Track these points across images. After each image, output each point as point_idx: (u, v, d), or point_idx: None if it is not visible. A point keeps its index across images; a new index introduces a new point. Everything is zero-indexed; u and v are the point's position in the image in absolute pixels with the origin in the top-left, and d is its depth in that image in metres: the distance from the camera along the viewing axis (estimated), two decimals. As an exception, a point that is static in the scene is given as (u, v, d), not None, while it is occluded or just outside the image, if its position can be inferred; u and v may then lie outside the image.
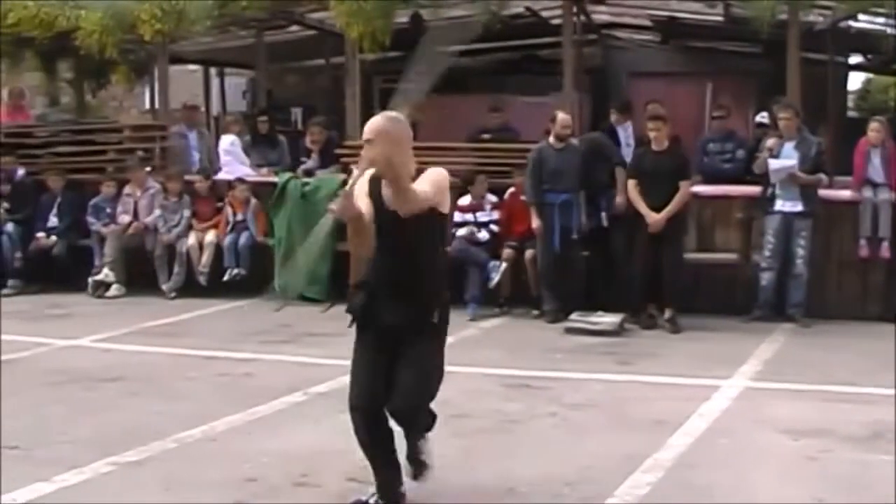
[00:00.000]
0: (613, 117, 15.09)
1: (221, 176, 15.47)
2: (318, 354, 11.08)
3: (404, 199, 5.86)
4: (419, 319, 6.29)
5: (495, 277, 13.31)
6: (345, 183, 14.15)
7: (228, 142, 15.84)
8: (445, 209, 6.24)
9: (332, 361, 10.61)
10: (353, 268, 6.59)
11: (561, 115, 13.38)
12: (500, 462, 7.56)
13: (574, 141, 13.53)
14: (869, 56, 22.97)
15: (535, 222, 13.15)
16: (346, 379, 9.90)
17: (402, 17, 16.22)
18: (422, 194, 5.92)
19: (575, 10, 15.93)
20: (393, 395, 6.25)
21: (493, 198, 13.73)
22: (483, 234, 13.53)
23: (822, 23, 16.89)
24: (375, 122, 5.99)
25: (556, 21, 16.80)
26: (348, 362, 10.62)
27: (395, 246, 6.16)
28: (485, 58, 21.61)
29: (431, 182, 6.04)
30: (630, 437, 8.19)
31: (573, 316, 12.60)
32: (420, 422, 6.57)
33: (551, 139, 13.24)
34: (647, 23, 19.47)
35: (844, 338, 12.17)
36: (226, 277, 14.63)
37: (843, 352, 11.46)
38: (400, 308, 6.22)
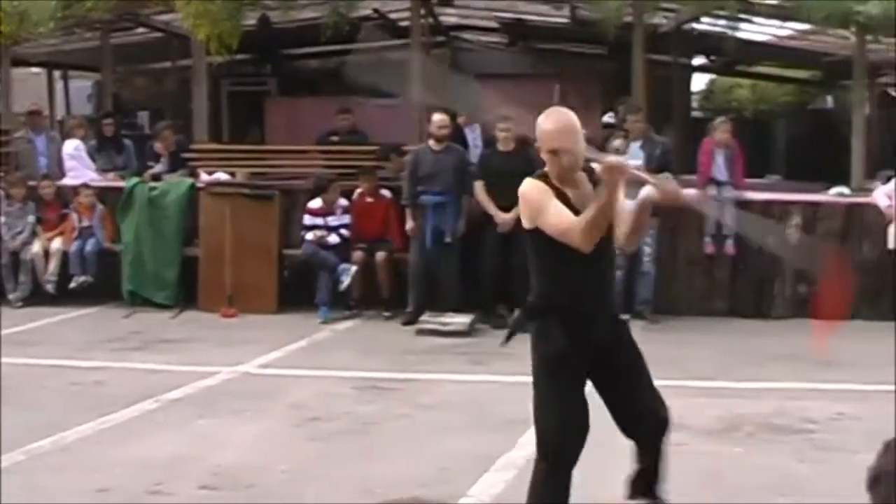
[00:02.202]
0: (461, 119, 15.15)
1: (67, 181, 15.20)
2: (170, 361, 10.97)
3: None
4: (623, 331, 5.78)
5: (346, 280, 13.27)
6: (193, 187, 14.13)
7: (73, 146, 15.56)
8: None
9: (184, 368, 10.57)
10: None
11: (436, 116, 13.33)
12: (356, 464, 7.56)
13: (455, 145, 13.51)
14: (712, 57, 23.49)
15: (409, 223, 13.15)
16: (201, 384, 9.94)
17: (250, 20, 16.12)
18: None
19: (422, 12, 15.97)
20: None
21: (344, 202, 13.66)
22: (333, 238, 13.46)
23: (667, 25, 17.20)
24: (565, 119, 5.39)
25: (403, 23, 16.85)
26: (202, 368, 10.62)
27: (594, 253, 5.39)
28: (333, 60, 21.61)
29: None
30: (484, 436, 8.25)
31: (424, 317, 12.64)
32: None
33: (430, 141, 13.22)
34: (494, 25, 19.63)
35: (693, 333, 12.41)
36: (72, 285, 14.36)
37: (693, 347, 11.67)
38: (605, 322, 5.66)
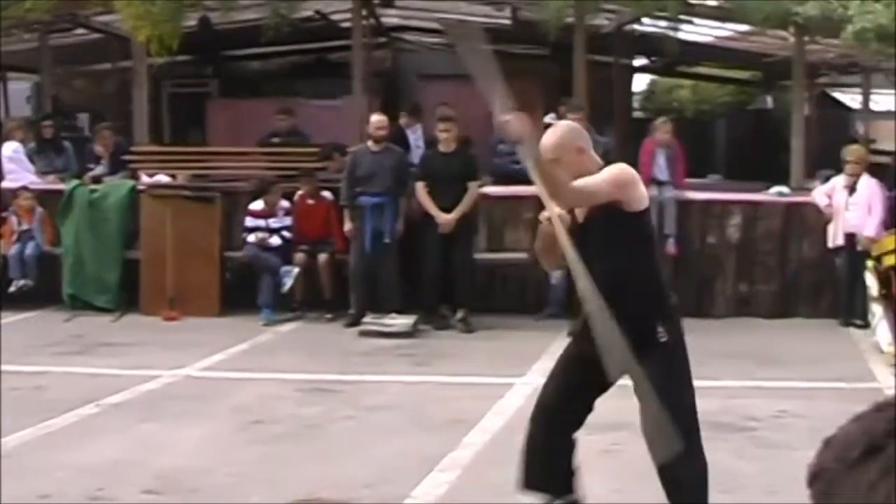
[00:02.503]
0: (403, 120, 15.18)
1: (6, 184, 15.04)
2: (111, 365, 10.88)
3: (563, 198, 5.53)
4: (641, 337, 5.61)
5: (288, 282, 13.23)
6: (133, 189, 14.02)
7: (11, 149, 15.41)
8: (633, 206, 5.69)
9: (126, 372, 10.49)
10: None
11: (374, 117, 13.34)
12: (300, 467, 7.54)
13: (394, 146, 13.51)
14: (653, 58, 23.60)
15: (348, 225, 13.13)
16: (143, 388, 9.89)
17: (191, 21, 16.04)
18: (582, 187, 5.58)
19: (364, 13, 15.96)
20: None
21: (285, 203, 13.61)
22: (275, 240, 13.41)
23: (608, 26, 17.27)
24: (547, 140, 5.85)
25: (345, 24, 16.82)
26: (142, 372, 10.56)
27: (590, 254, 5.53)
28: (275, 61, 21.57)
29: (605, 177, 5.67)
30: (427, 437, 8.25)
31: (366, 318, 12.61)
32: (680, 480, 5.84)
33: (369, 142, 13.19)
34: (436, 26, 19.63)
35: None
36: (12, 289, 14.21)
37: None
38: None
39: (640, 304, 5.77)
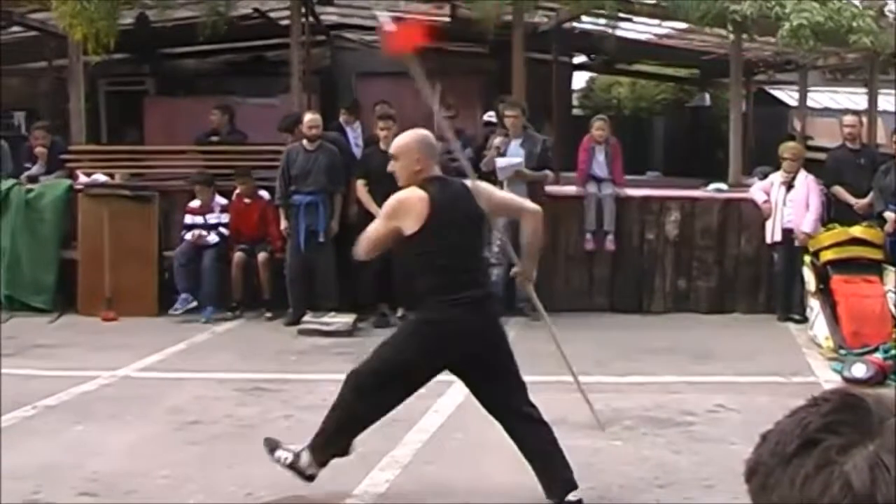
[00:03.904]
0: (342, 118, 15.12)
1: (-60, 184, 14.86)
2: (46, 366, 10.75)
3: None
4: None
5: (180, 308, 13.15)
6: (70, 188, 13.87)
7: (-55, 149, 15.24)
8: (404, 231, 6.77)
9: (61, 373, 10.36)
10: None
11: (307, 116, 13.29)
12: (237, 467, 7.49)
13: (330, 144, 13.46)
14: (592, 56, 23.67)
15: (283, 223, 13.09)
16: (78, 389, 9.79)
17: (128, 19, 15.91)
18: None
19: (303, 11, 15.89)
20: None
21: (222, 200, 13.54)
22: (212, 237, 13.34)
23: (547, 24, 17.29)
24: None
25: (283, 22, 16.76)
26: (79, 373, 10.44)
27: None
28: (212, 60, 21.44)
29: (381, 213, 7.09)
30: (367, 435, 8.18)
31: (306, 317, 12.56)
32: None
33: (303, 140, 13.13)
34: (374, 24, 19.60)
35: (573, 329, 12.43)
36: (-55, 289, 14.05)
37: (572, 342, 11.68)
38: None
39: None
